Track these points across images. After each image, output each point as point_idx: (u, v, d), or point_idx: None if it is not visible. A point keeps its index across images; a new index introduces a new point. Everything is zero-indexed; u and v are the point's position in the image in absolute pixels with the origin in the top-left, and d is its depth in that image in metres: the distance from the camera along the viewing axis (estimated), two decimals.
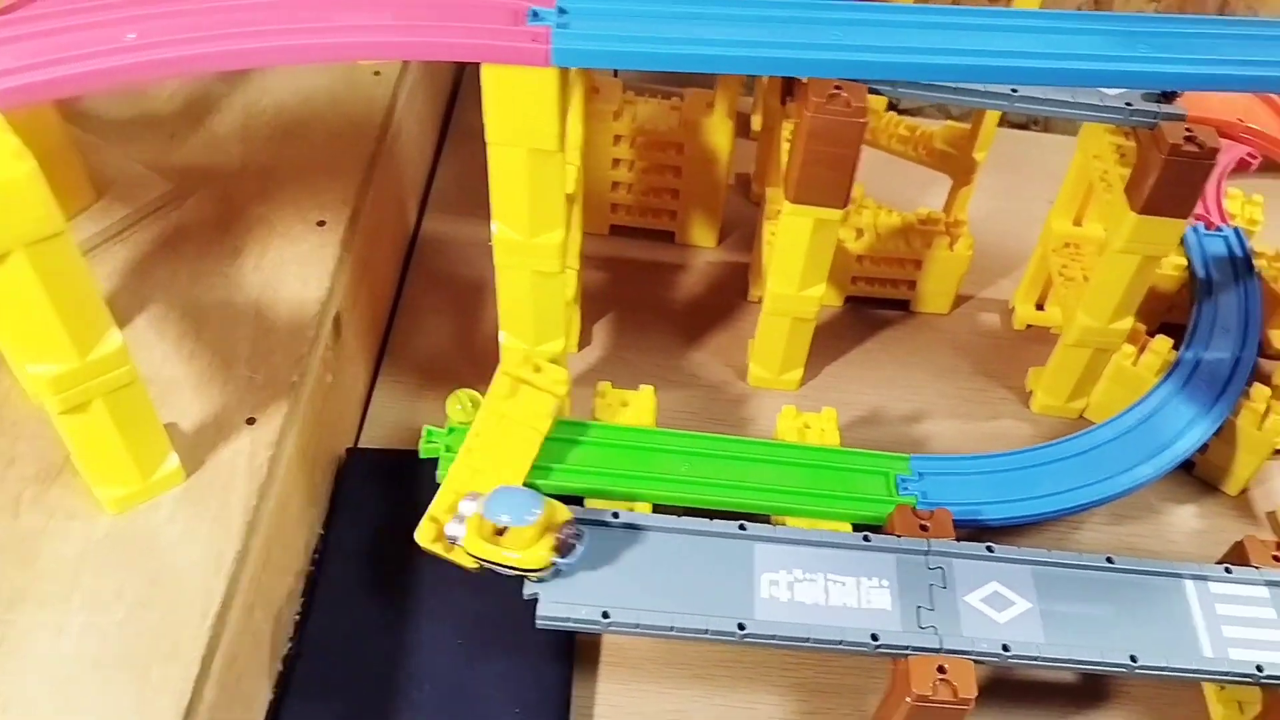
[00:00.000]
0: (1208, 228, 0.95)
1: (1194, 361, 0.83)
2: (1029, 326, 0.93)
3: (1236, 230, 0.95)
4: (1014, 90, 0.68)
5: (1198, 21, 0.64)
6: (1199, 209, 0.97)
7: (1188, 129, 0.67)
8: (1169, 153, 0.67)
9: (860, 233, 0.87)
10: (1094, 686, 0.73)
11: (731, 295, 0.91)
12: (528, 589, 0.60)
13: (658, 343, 0.87)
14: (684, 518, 0.64)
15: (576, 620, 0.59)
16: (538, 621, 0.59)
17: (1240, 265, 0.92)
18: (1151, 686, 0.72)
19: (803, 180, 0.69)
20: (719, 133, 0.84)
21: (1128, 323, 0.79)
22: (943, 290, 0.91)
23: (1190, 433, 0.79)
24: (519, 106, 0.57)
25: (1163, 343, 0.84)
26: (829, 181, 0.68)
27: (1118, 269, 0.75)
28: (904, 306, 0.93)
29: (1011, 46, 0.60)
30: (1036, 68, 0.60)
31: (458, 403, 0.67)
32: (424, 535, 0.61)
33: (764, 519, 0.69)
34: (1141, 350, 0.84)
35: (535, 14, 0.57)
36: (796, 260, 0.74)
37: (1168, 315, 0.92)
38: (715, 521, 0.64)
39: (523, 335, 0.69)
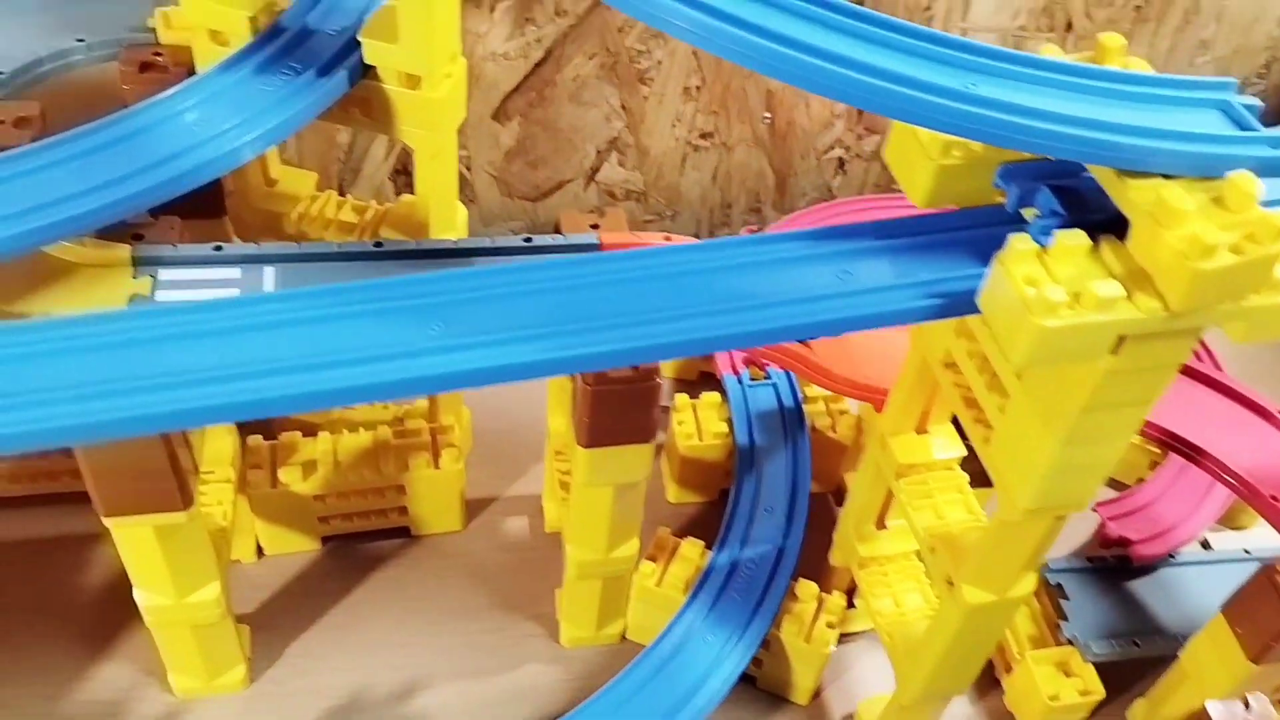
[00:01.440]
0: (754, 376, 0.84)
1: (728, 565, 0.70)
2: None
3: (789, 374, 0.84)
4: None
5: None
6: (746, 353, 0.85)
7: None
8: (595, 383, 0.52)
9: (311, 468, 0.69)
10: None
11: None
12: None
13: (44, 659, 0.66)
14: None
15: None
16: None
17: (790, 419, 0.81)
18: None
19: (105, 494, 0.50)
20: None
21: (632, 546, 0.65)
22: (444, 508, 0.74)
23: (720, 669, 0.65)
24: None
25: (693, 548, 0.71)
26: (147, 489, 0.50)
27: (591, 501, 0.60)
28: (406, 533, 0.76)
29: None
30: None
31: None
32: None
33: None
34: (670, 561, 0.70)
35: None
36: (158, 568, 0.55)
37: (726, 482, 0.79)
38: None
39: None
